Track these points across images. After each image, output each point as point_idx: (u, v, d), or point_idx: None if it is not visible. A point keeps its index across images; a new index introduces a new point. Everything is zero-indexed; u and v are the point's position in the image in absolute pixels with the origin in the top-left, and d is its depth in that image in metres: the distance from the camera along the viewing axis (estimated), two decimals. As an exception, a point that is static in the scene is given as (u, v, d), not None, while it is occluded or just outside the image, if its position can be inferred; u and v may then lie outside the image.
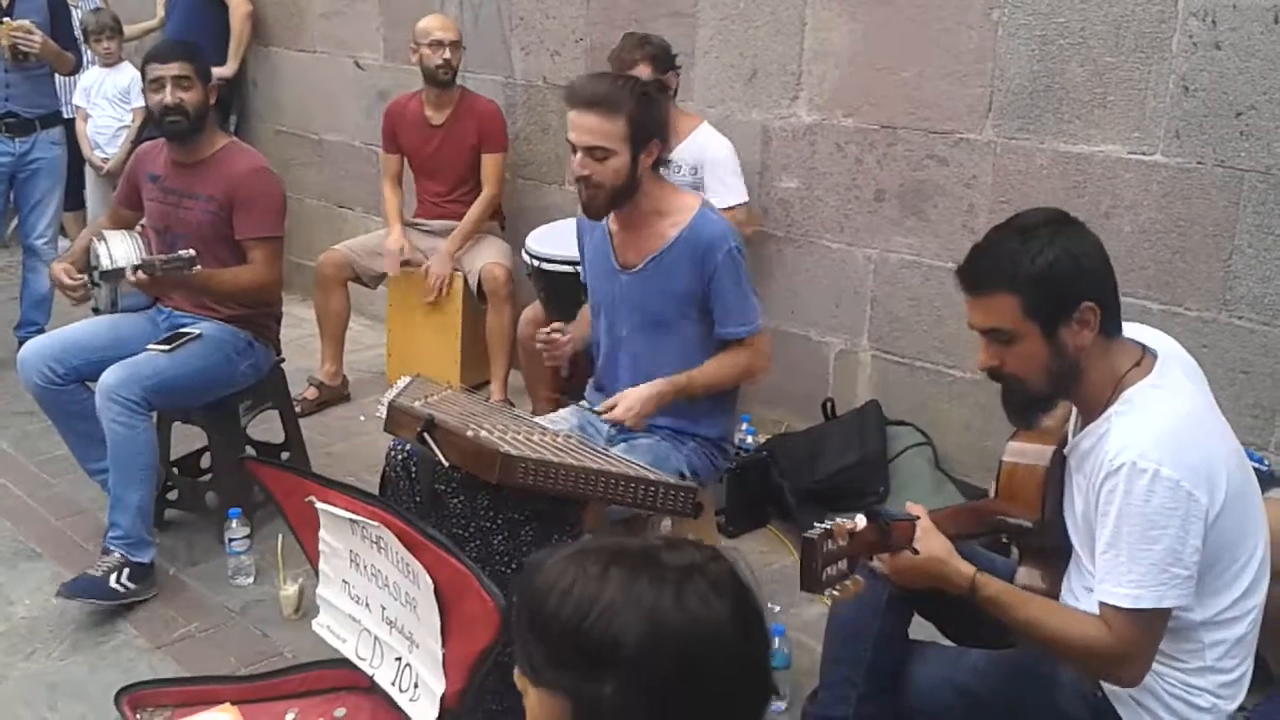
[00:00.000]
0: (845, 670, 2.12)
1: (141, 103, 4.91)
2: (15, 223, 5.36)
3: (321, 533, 2.38)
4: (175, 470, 3.62)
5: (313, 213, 5.70)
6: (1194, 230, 3.12)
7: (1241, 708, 1.94)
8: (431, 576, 2.06)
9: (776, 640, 2.62)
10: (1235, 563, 1.84)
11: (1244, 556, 1.85)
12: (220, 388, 3.39)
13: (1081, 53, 3.23)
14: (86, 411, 3.23)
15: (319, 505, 2.33)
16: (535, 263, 3.86)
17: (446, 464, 2.36)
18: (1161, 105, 3.12)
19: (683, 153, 3.77)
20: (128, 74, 5.49)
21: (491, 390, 4.43)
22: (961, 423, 3.67)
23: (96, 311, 3.54)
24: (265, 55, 5.78)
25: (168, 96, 3.26)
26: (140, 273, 3.09)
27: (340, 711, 2.34)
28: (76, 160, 5.42)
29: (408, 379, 2.71)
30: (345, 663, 2.36)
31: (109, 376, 3.12)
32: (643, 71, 3.55)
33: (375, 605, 2.28)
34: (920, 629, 2.23)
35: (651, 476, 2.35)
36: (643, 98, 2.58)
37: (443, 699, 2.06)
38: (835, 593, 1.83)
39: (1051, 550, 2.06)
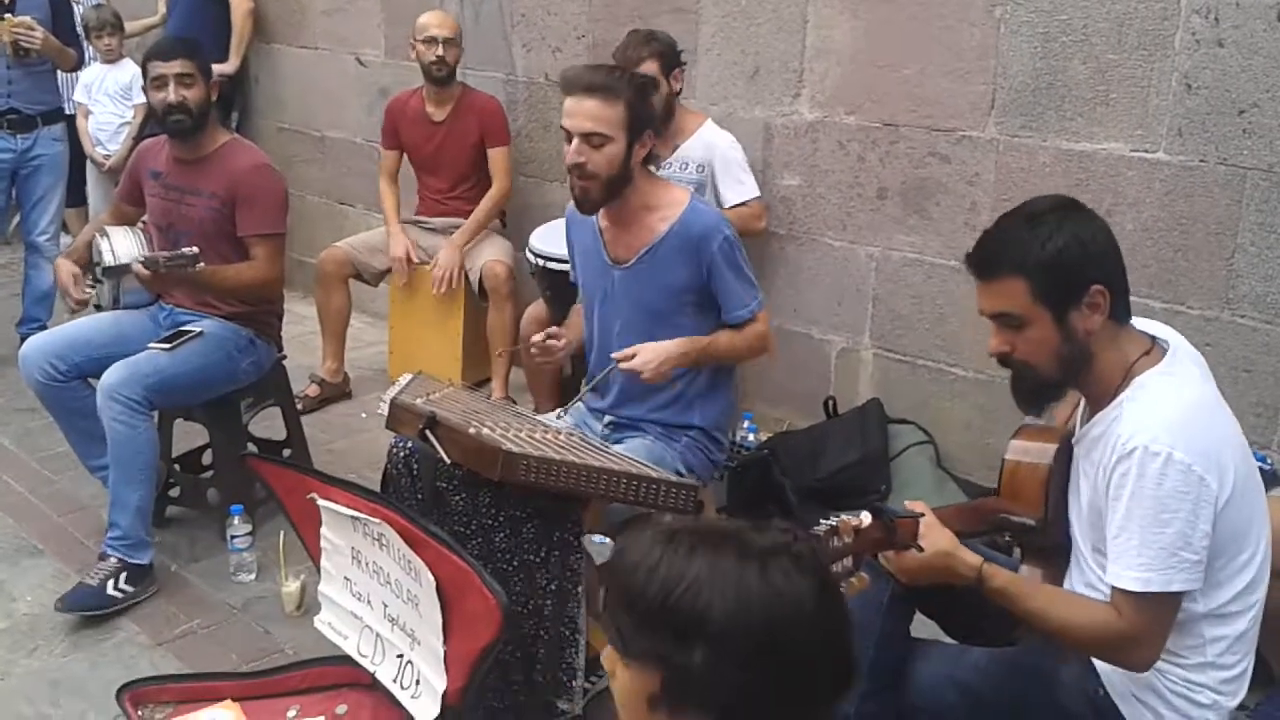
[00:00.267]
0: None
1: (143, 99, 4.90)
2: (17, 219, 5.37)
3: (323, 530, 2.38)
4: (177, 467, 3.62)
5: (314, 210, 5.69)
6: (1196, 228, 3.12)
7: (1243, 706, 1.94)
8: (433, 574, 2.06)
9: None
10: (1240, 555, 1.85)
11: (1248, 550, 1.86)
12: (222, 385, 3.39)
13: (1084, 50, 3.23)
14: (88, 408, 3.23)
15: (321, 502, 2.33)
16: (540, 262, 3.85)
17: (448, 461, 2.36)
18: (1164, 103, 3.12)
19: (689, 150, 3.78)
20: (129, 70, 5.49)
21: (493, 388, 4.43)
22: (963, 421, 3.67)
23: (98, 308, 3.54)
24: (267, 52, 5.78)
25: (170, 94, 3.26)
26: (144, 268, 3.08)
27: (342, 708, 2.35)
28: (78, 157, 5.42)
29: (409, 376, 2.71)
30: (347, 660, 2.36)
31: (110, 375, 3.12)
32: (649, 68, 3.55)
33: (377, 602, 2.28)
34: (922, 627, 2.23)
35: (653, 474, 2.36)
36: (640, 89, 2.59)
37: (444, 696, 2.06)
38: (841, 589, 1.83)
39: (1054, 549, 2.06)
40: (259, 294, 3.40)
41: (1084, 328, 1.86)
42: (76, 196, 5.60)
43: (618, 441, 2.68)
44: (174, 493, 3.63)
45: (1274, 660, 2.51)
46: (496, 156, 4.49)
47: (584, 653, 2.42)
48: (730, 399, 2.94)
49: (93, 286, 3.46)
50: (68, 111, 5.20)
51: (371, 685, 2.30)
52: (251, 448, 3.65)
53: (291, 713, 2.37)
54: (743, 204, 3.77)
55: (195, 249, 3.10)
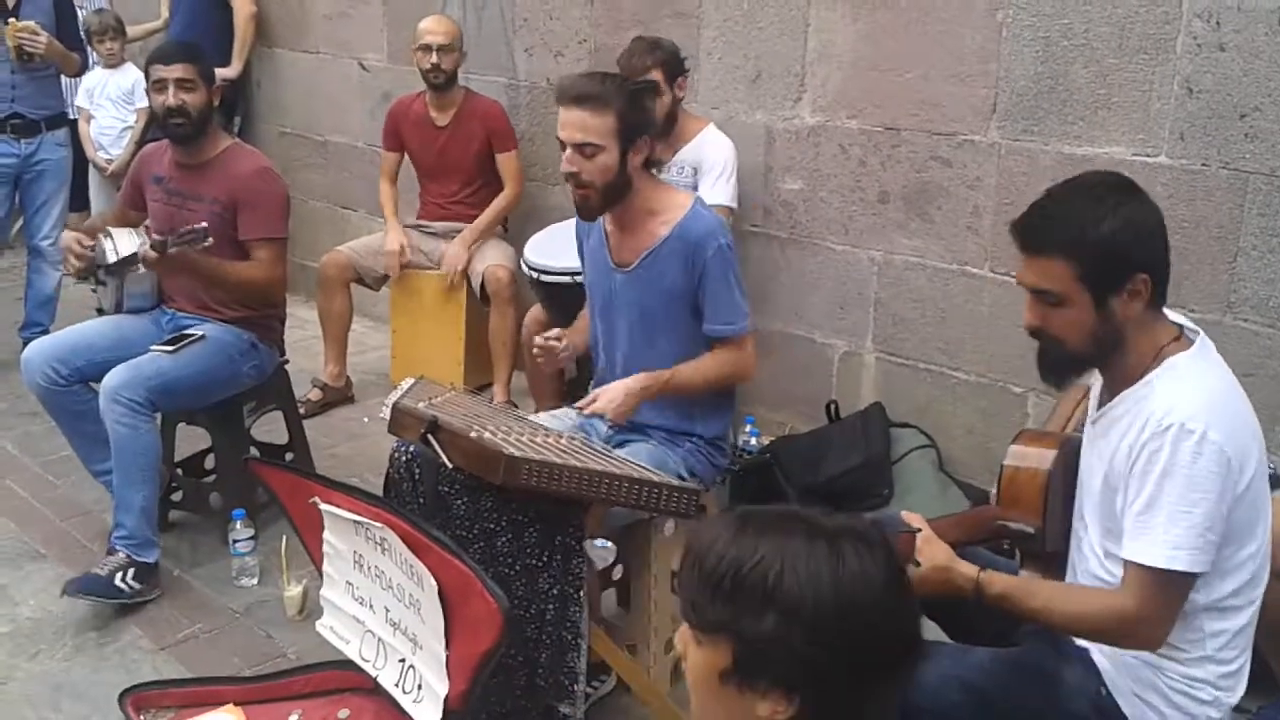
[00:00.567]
0: None
1: (145, 103, 4.93)
2: (20, 224, 5.37)
3: (325, 534, 2.38)
4: (179, 471, 3.63)
5: (316, 214, 5.70)
6: (1198, 232, 3.12)
7: (1246, 710, 1.94)
8: (435, 578, 2.06)
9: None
10: (1245, 547, 1.85)
11: (1253, 543, 1.86)
12: (224, 389, 3.40)
13: (1085, 54, 3.23)
14: (90, 412, 3.23)
15: (323, 506, 2.33)
16: (535, 274, 3.86)
17: (450, 465, 2.36)
18: (1166, 107, 3.12)
19: (687, 155, 3.78)
20: (131, 75, 5.50)
21: (495, 392, 4.43)
22: (965, 425, 3.67)
23: (100, 312, 3.55)
24: (269, 57, 5.78)
25: (170, 98, 3.27)
26: (151, 251, 3.03)
27: (344, 713, 2.34)
28: (81, 161, 5.43)
29: (411, 380, 2.71)
30: (349, 664, 2.36)
31: (113, 378, 3.12)
32: (654, 76, 3.55)
33: (379, 607, 2.28)
34: (923, 628, 2.22)
35: (654, 478, 2.35)
36: (632, 95, 2.58)
37: (446, 700, 2.06)
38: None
39: (1052, 555, 2.06)
40: (261, 295, 3.40)
41: (1123, 313, 1.84)
42: (79, 201, 5.60)
43: (620, 446, 2.68)
44: (176, 497, 3.63)
45: (1276, 665, 2.51)
46: (506, 161, 4.49)
47: (586, 657, 2.42)
48: (732, 409, 2.94)
49: (96, 286, 3.46)
50: (70, 116, 5.21)
51: (373, 690, 2.30)
52: (254, 452, 3.65)
53: (294, 717, 2.36)
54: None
55: (204, 224, 3.06)
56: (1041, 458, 2.06)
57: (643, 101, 2.63)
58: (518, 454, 2.25)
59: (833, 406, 3.86)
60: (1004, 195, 3.46)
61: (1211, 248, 3.11)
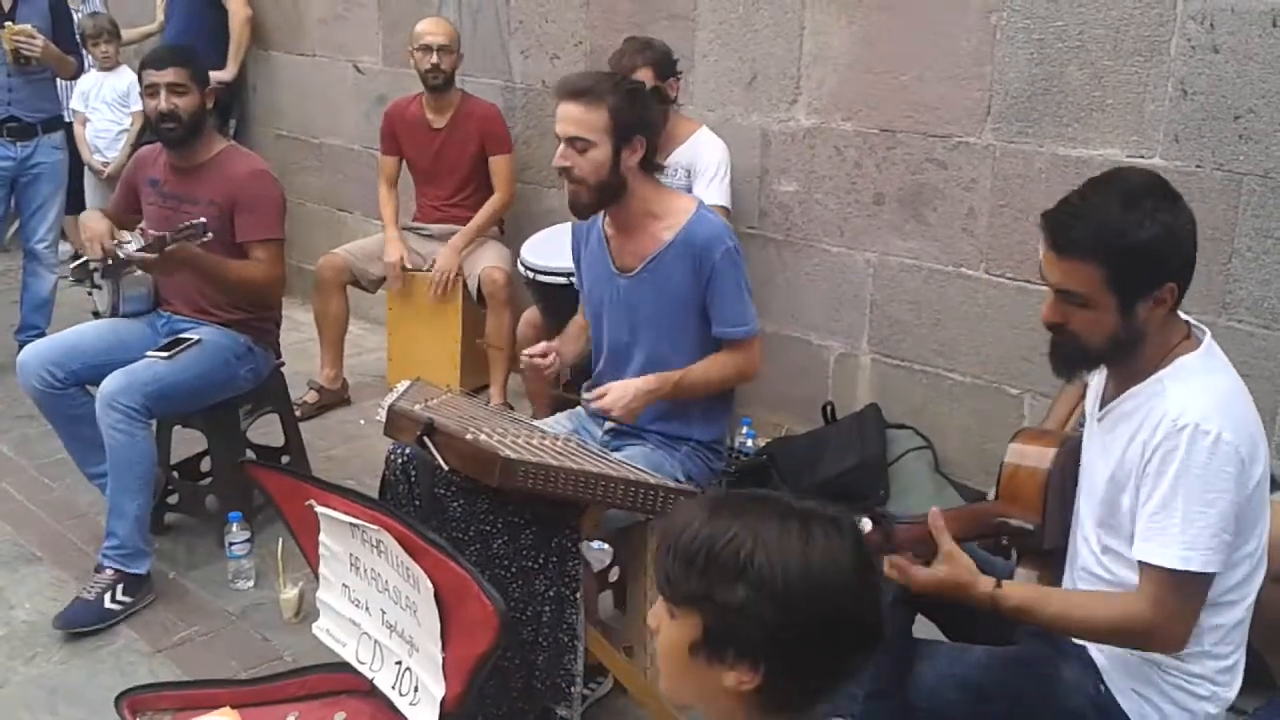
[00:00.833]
0: None
1: (140, 106, 4.92)
2: (16, 226, 5.37)
3: (321, 536, 2.38)
4: (175, 474, 3.62)
5: (312, 216, 5.70)
6: (1193, 233, 3.12)
7: (1244, 711, 1.95)
8: (431, 580, 2.06)
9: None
10: (1247, 544, 1.86)
11: (1254, 540, 1.87)
12: (220, 392, 3.39)
13: (1080, 56, 3.23)
14: (86, 415, 3.23)
15: (319, 509, 2.33)
16: (531, 275, 3.86)
17: (446, 468, 2.36)
18: (1160, 109, 3.12)
19: (680, 157, 3.78)
20: (126, 78, 5.50)
21: (491, 394, 4.43)
22: (961, 426, 3.67)
23: (97, 315, 3.54)
24: (265, 59, 5.78)
25: (162, 103, 3.27)
26: (148, 253, 3.02)
27: (340, 715, 2.34)
28: (77, 164, 5.43)
29: (407, 383, 2.71)
30: (345, 666, 2.36)
31: (109, 384, 3.12)
32: (644, 76, 3.55)
33: (375, 609, 2.28)
34: (922, 628, 2.23)
35: (651, 480, 2.35)
36: (628, 94, 2.58)
37: (442, 703, 2.06)
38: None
39: (1050, 553, 2.06)
40: (260, 294, 3.39)
41: (1145, 318, 1.83)
42: (75, 204, 5.58)
43: (617, 449, 2.68)
44: (172, 500, 3.63)
45: (1274, 664, 2.52)
46: (499, 164, 4.50)
47: (582, 659, 2.42)
48: (730, 413, 2.94)
49: (92, 289, 3.46)
50: (66, 119, 5.20)
51: (370, 692, 2.30)
52: (250, 455, 3.65)
53: (290, 719, 2.37)
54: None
55: (203, 219, 3.05)
56: (1041, 456, 2.07)
57: (639, 101, 2.62)
58: (514, 456, 2.25)
59: (829, 408, 3.87)
60: (999, 197, 3.46)
61: (1206, 249, 3.07)
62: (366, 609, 2.30)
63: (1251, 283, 3.06)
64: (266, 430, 3.76)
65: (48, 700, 2.79)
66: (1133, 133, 3.18)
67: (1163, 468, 1.79)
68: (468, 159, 4.49)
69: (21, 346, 4.24)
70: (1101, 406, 1.98)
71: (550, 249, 3.87)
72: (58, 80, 4.96)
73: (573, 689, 2.40)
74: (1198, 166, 3.09)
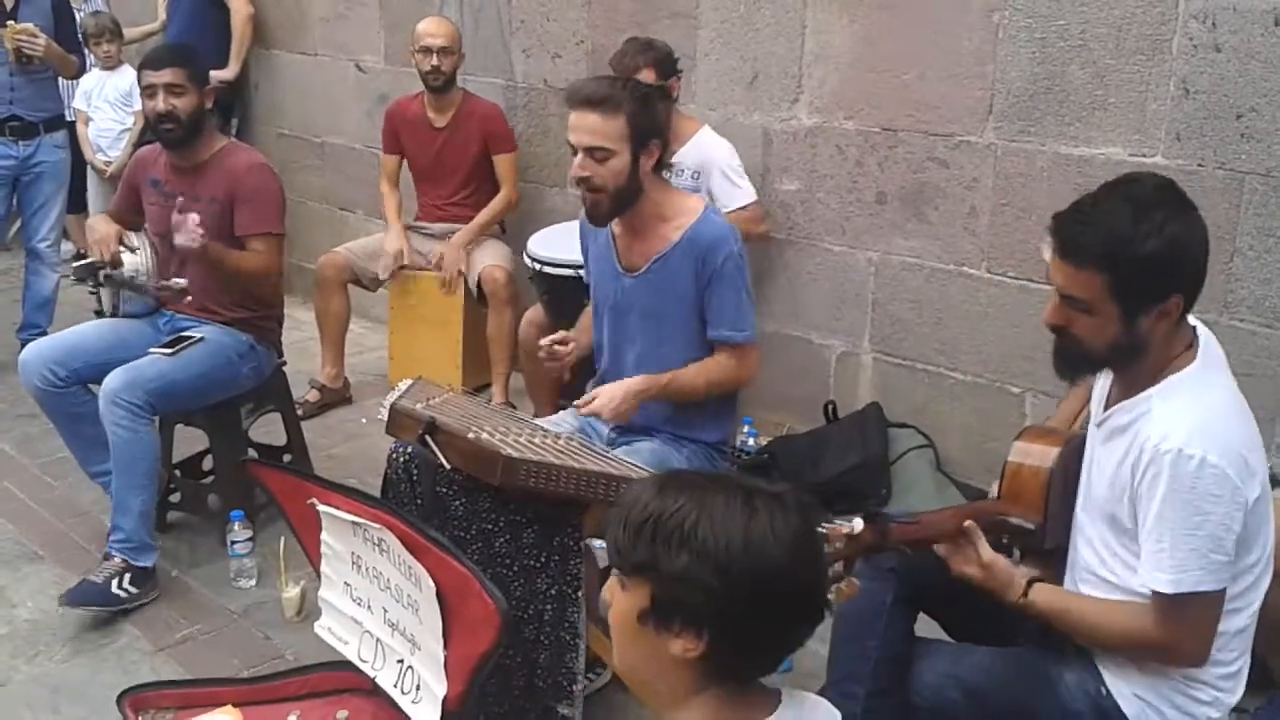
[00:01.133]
0: (852, 668, 2.13)
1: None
2: (18, 225, 5.37)
3: (323, 535, 2.38)
4: (178, 473, 3.63)
5: (314, 215, 5.70)
6: (1195, 232, 3.12)
7: (1244, 710, 1.95)
8: (433, 579, 2.06)
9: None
10: (1250, 554, 1.86)
11: (1258, 549, 1.87)
12: (222, 391, 3.40)
13: (1082, 55, 3.23)
14: (88, 414, 3.23)
15: (321, 507, 2.33)
16: (537, 266, 3.86)
17: (448, 466, 2.36)
18: (1162, 107, 3.12)
19: (684, 157, 3.78)
20: (128, 77, 5.49)
21: (493, 393, 4.43)
22: (962, 425, 3.67)
23: (99, 314, 3.55)
24: (266, 58, 5.79)
25: (160, 104, 3.27)
26: (134, 290, 3.21)
27: (342, 714, 2.34)
28: (79, 163, 5.43)
29: (409, 381, 2.71)
30: (347, 665, 2.36)
31: (112, 380, 3.12)
32: (646, 76, 3.55)
33: (377, 608, 2.28)
34: (923, 627, 2.23)
35: (653, 479, 2.35)
36: (642, 98, 2.58)
37: (444, 701, 2.06)
38: (830, 596, 1.84)
39: (1051, 552, 2.06)
40: (257, 284, 3.40)
41: (1148, 329, 1.83)
42: (77, 203, 5.60)
43: (625, 444, 2.68)
44: (175, 498, 3.63)
45: (1275, 664, 2.52)
46: (504, 163, 4.50)
47: (584, 657, 2.42)
48: (734, 415, 2.93)
49: (95, 288, 3.46)
50: (68, 118, 5.21)
51: (372, 691, 2.30)
52: (252, 453, 3.65)
53: (292, 718, 2.37)
54: (741, 209, 3.77)
55: (184, 282, 3.23)
56: (1045, 455, 2.07)
57: (653, 105, 2.61)
58: (515, 454, 2.25)
59: (830, 407, 3.87)
60: (1000, 196, 3.46)
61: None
62: (368, 607, 2.30)
63: (1253, 282, 3.06)
64: (268, 429, 3.76)
65: (50, 698, 2.79)
66: (1135, 132, 3.18)
67: (1151, 492, 1.81)
68: (469, 159, 4.49)
69: (23, 345, 4.24)
70: (1105, 409, 1.98)
71: (558, 243, 3.88)
72: (60, 79, 4.96)
73: (575, 687, 2.40)
74: (1199, 165, 3.09)
